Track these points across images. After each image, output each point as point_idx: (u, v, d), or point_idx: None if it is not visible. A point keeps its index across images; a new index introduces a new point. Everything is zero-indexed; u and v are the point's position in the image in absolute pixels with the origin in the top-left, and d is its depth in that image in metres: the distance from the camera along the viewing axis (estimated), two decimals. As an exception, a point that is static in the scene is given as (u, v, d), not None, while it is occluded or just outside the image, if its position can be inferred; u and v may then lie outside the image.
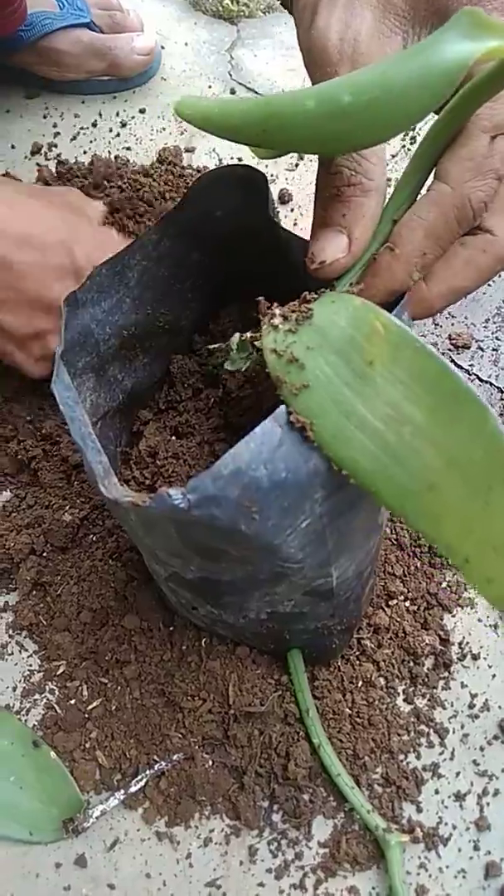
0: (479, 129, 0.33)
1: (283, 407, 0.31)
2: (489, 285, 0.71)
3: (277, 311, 0.33)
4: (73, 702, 0.52)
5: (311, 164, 0.79)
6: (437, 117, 0.33)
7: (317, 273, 0.36)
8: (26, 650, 0.54)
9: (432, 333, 0.68)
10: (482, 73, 0.29)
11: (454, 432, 0.28)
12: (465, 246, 0.36)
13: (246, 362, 0.40)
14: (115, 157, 0.78)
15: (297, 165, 0.79)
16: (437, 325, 0.69)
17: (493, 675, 0.53)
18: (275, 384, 0.31)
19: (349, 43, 0.35)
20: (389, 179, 0.69)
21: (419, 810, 0.49)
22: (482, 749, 0.51)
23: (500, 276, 0.71)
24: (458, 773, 0.50)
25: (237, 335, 0.40)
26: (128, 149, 0.80)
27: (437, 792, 0.49)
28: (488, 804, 0.49)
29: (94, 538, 0.57)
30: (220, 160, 0.79)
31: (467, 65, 0.27)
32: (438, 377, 0.28)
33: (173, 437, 0.47)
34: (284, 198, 0.76)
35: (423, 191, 0.35)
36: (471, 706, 0.52)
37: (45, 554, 0.56)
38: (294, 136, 0.31)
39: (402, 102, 0.28)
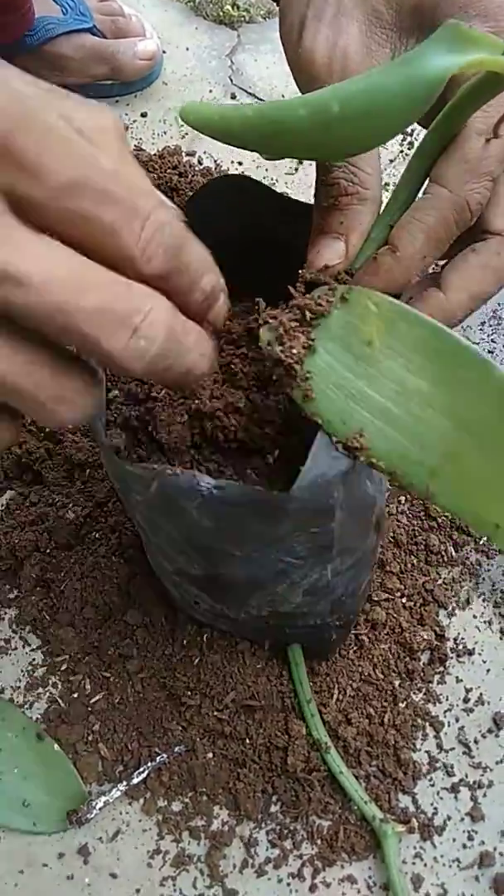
0: (473, 133, 0.33)
1: None
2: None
3: (271, 312, 0.34)
4: (76, 695, 0.53)
5: (309, 168, 0.80)
6: (430, 127, 0.34)
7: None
8: (30, 645, 0.55)
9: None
10: (470, 83, 0.30)
11: (461, 393, 0.27)
12: (478, 252, 0.36)
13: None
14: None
15: (296, 170, 0.80)
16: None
17: (488, 670, 0.54)
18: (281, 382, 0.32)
19: (338, 61, 0.35)
20: (387, 184, 0.71)
21: (415, 801, 0.50)
22: (476, 742, 0.52)
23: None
24: (452, 766, 0.51)
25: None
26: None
27: (432, 783, 0.50)
28: (483, 795, 0.50)
29: (97, 535, 0.58)
30: (216, 162, 0.80)
31: (446, 77, 0.27)
32: (436, 341, 0.28)
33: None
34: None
35: (420, 194, 0.36)
36: (465, 700, 0.53)
37: (48, 551, 0.57)
38: (288, 143, 0.32)
39: (386, 113, 0.29)
